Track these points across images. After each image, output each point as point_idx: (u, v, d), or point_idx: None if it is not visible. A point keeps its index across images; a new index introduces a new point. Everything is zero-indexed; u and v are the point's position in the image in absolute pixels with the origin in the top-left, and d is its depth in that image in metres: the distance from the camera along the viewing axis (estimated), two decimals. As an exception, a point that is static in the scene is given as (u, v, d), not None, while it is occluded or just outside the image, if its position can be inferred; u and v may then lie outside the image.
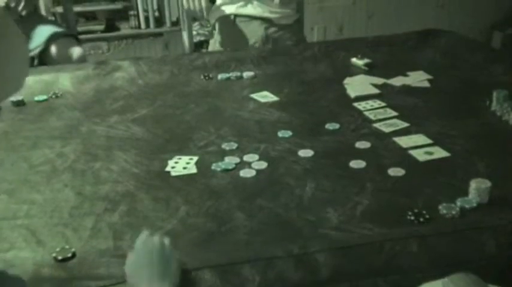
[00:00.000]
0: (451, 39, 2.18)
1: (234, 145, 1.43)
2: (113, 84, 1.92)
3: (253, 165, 1.33)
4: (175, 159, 1.37)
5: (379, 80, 1.83)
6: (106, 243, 1.06)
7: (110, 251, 1.03)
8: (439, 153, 1.34)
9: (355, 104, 1.66)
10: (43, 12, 3.39)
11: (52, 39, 2.48)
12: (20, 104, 1.77)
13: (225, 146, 1.43)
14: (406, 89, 1.77)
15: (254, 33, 2.20)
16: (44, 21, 2.77)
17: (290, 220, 1.11)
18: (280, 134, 1.49)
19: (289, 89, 1.80)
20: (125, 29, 3.80)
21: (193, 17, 2.96)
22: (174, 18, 3.81)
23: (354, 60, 2.01)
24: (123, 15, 3.78)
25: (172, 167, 1.34)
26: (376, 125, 1.52)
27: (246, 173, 1.30)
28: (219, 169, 1.32)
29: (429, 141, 1.40)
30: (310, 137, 1.46)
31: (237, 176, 1.29)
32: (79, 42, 2.64)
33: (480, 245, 0.99)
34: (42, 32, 2.53)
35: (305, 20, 2.57)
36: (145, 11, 3.73)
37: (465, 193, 1.14)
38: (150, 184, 1.28)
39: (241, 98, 1.76)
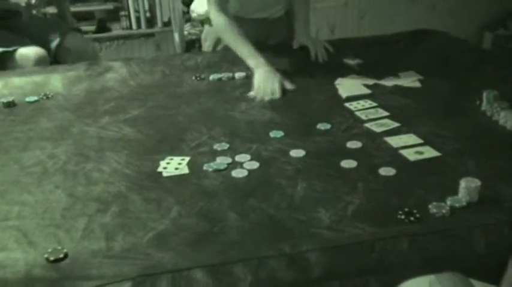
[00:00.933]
0: (442, 39, 2.20)
1: (226, 145, 1.43)
2: (104, 85, 1.92)
3: (245, 165, 1.33)
4: (167, 160, 1.37)
5: (371, 81, 1.84)
6: (98, 244, 1.06)
7: (102, 252, 1.03)
8: (430, 153, 1.35)
9: (347, 104, 1.67)
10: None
11: (66, 32, 2.55)
12: (10, 105, 1.77)
13: (217, 146, 1.43)
14: (397, 89, 1.78)
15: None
16: (46, 19, 2.82)
17: (282, 219, 1.12)
18: (271, 134, 1.49)
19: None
20: (116, 29, 3.80)
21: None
22: (165, 19, 3.81)
23: (345, 60, 2.01)
24: (114, 15, 3.78)
25: (164, 168, 1.34)
26: (367, 125, 1.52)
27: (237, 173, 1.30)
28: (210, 169, 1.32)
29: (420, 141, 1.41)
30: (301, 137, 1.46)
31: (229, 177, 1.29)
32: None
33: (470, 244, 1.00)
34: (52, 27, 2.57)
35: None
36: (137, 11, 3.73)
37: (455, 192, 1.15)
38: (141, 184, 1.28)
39: (234, 99, 1.76)
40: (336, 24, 3.96)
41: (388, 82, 1.83)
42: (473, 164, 1.29)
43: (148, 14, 3.78)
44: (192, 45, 3.68)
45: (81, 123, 1.62)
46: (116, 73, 1.99)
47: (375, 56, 2.06)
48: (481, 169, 1.25)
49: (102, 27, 3.73)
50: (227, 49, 2.19)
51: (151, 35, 3.90)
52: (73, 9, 3.60)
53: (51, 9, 3.41)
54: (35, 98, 1.81)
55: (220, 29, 1.97)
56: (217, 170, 1.32)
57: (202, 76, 1.96)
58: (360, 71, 1.93)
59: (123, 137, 1.52)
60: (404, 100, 1.69)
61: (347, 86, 1.80)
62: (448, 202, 1.13)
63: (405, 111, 1.60)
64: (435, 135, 1.43)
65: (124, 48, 3.87)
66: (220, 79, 1.94)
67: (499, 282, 0.93)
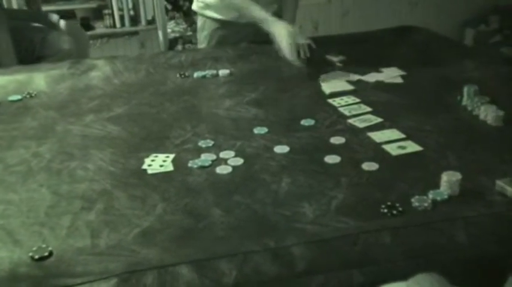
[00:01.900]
0: (424, 36, 2.22)
1: (211, 142, 1.44)
2: (88, 83, 1.91)
3: (229, 162, 1.34)
4: (151, 157, 1.38)
5: (354, 77, 1.86)
6: (83, 241, 1.06)
7: (87, 249, 1.04)
8: (412, 147, 1.37)
9: (330, 101, 1.68)
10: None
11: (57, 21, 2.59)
12: (-7, 104, 1.76)
13: (202, 143, 1.44)
14: (380, 85, 1.80)
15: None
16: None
17: (266, 215, 1.13)
18: (256, 130, 1.50)
19: (265, 87, 1.82)
20: (99, 28, 3.78)
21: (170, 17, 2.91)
22: (149, 17, 3.80)
23: (328, 57, 2.03)
24: (97, 14, 3.77)
25: (149, 165, 1.34)
26: (351, 120, 1.54)
27: (222, 169, 1.31)
28: (195, 166, 1.33)
29: (402, 136, 1.43)
30: (285, 134, 1.47)
31: (214, 173, 1.30)
32: None
33: (451, 236, 1.02)
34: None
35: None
36: (121, 9, 3.72)
37: (437, 185, 1.17)
38: (126, 182, 1.28)
39: (218, 96, 1.77)
40: (319, 21, 3.98)
41: (371, 78, 1.85)
42: (454, 158, 1.30)
43: (132, 12, 3.77)
44: (175, 42, 3.68)
45: (65, 121, 1.61)
46: (100, 71, 1.99)
47: (358, 52, 2.08)
48: (462, 163, 1.27)
49: (85, 26, 3.71)
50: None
51: (136, 33, 3.89)
52: (56, 7, 3.59)
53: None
54: (18, 97, 1.80)
55: None
56: (201, 167, 1.32)
57: (187, 74, 1.96)
58: (343, 68, 1.95)
59: (107, 135, 1.52)
60: (387, 96, 1.70)
61: (330, 83, 1.81)
62: (430, 196, 1.14)
63: (388, 106, 1.62)
64: (417, 130, 1.45)
65: (108, 46, 3.86)
66: (204, 76, 1.94)
67: (479, 275, 0.96)
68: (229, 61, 2.05)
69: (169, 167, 1.33)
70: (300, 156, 1.36)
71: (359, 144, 1.41)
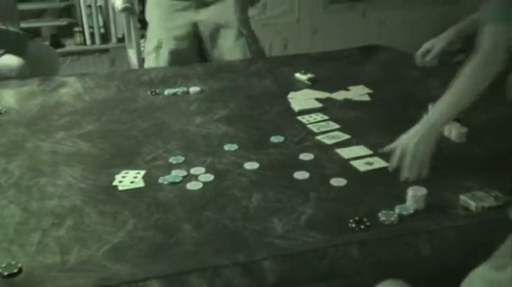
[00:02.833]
0: (391, 55, 2.27)
1: (181, 159, 1.45)
2: (58, 100, 1.91)
3: (200, 178, 1.35)
4: (122, 173, 1.38)
5: (322, 94, 1.89)
6: (53, 257, 1.06)
7: (57, 266, 1.03)
8: (379, 163, 1.40)
9: (299, 118, 1.71)
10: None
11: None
12: (-38, 121, 1.74)
13: (172, 159, 1.45)
14: (348, 103, 1.84)
15: None
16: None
17: (236, 230, 1.14)
18: (226, 147, 1.51)
19: (235, 104, 1.84)
20: (70, 45, 3.76)
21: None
22: (120, 35, 3.80)
23: (297, 75, 2.06)
24: (67, 31, 3.75)
25: (120, 182, 1.34)
26: (319, 137, 1.57)
27: (193, 185, 1.32)
28: (166, 182, 1.34)
29: (369, 152, 1.46)
30: (255, 150, 1.49)
31: (184, 189, 1.31)
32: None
33: (417, 249, 1.04)
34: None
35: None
36: (91, 27, 3.71)
37: (403, 200, 1.20)
38: (97, 198, 1.28)
39: (188, 113, 1.78)
40: (289, 39, 4.03)
41: (339, 96, 1.88)
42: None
43: (102, 30, 3.77)
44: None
45: (35, 138, 1.61)
46: (70, 88, 1.99)
47: (326, 71, 2.12)
48: (427, 179, 1.31)
49: (55, 43, 3.69)
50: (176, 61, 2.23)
51: (106, 50, 3.88)
52: (26, 25, 3.55)
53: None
54: (-13, 113, 1.79)
55: None
56: (172, 183, 1.33)
57: (157, 91, 1.97)
58: (312, 86, 1.98)
59: (77, 152, 1.52)
60: (354, 113, 1.74)
61: (299, 100, 1.84)
62: (397, 210, 1.17)
63: (355, 123, 1.65)
64: (384, 147, 1.48)
65: (78, 63, 3.83)
66: (175, 94, 1.95)
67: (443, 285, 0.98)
68: (199, 78, 2.07)
69: (140, 183, 1.34)
70: (270, 172, 1.38)
71: (327, 160, 1.43)
